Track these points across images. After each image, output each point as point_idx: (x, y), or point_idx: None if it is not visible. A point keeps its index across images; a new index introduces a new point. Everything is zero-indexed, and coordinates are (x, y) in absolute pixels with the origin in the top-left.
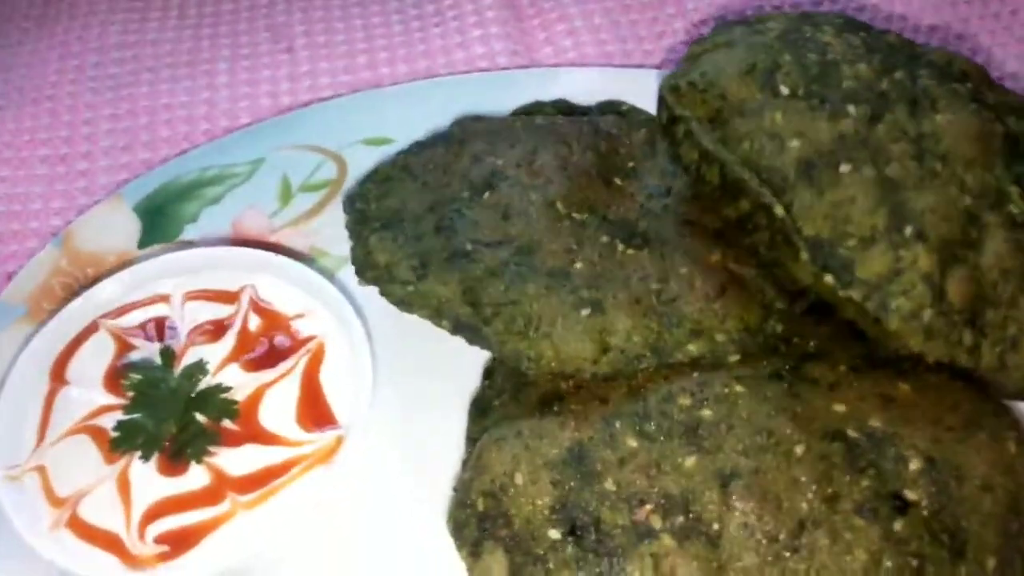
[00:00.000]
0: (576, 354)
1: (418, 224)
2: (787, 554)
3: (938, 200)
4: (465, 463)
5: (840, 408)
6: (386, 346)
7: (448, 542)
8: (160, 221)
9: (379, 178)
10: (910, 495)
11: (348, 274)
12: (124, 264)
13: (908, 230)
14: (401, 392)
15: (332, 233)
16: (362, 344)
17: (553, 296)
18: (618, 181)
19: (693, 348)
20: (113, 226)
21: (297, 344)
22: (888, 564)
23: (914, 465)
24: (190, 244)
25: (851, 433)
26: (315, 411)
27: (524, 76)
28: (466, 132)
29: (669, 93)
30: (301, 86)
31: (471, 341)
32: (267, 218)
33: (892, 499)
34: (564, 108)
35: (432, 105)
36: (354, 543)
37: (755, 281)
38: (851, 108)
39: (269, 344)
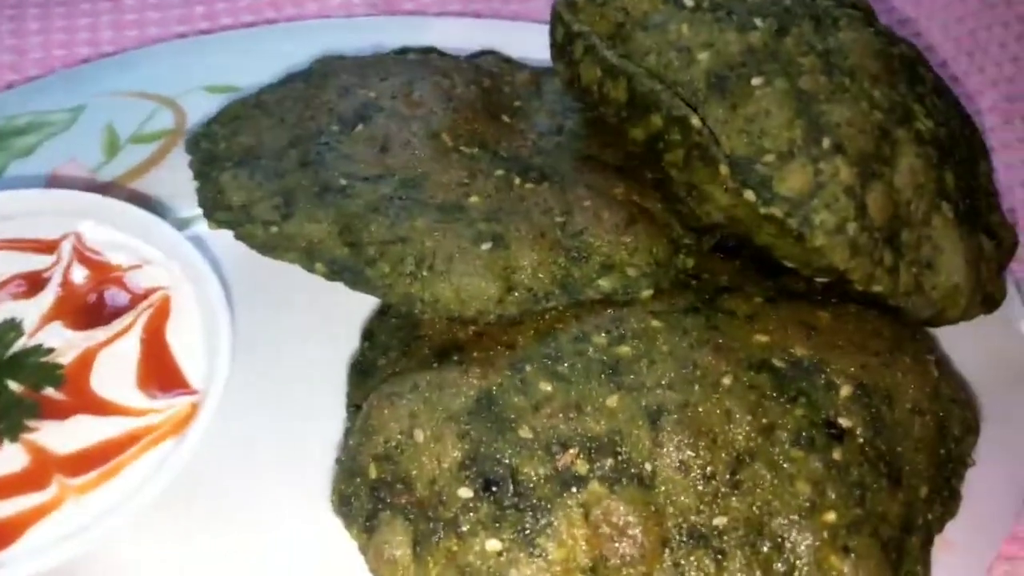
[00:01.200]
0: (478, 294)
1: (279, 161)
2: (727, 491)
3: (852, 113)
4: (348, 432)
5: (762, 338)
6: (243, 299)
7: (331, 523)
8: None
9: (227, 118)
10: (844, 422)
11: (194, 229)
12: None
13: (826, 143)
14: (264, 353)
15: (170, 190)
16: (216, 295)
17: (447, 230)
18: (506, 118)
19: (604, 284)
20: None
21: (135, 299)
22: (831, 495)
23: (845, 391)
24: None
25: (776, 362)
26: (161, 374)
27: (387, 23)
28: (328, 68)
29: (565, 8)
30: (126, 35)
31: (352, 285)
32: (89, 171)
33: (827, 427)
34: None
35: (283, 51)
36: (213, 531)
37: (662, 215)
38: (758, 20)
39: (99, 298)
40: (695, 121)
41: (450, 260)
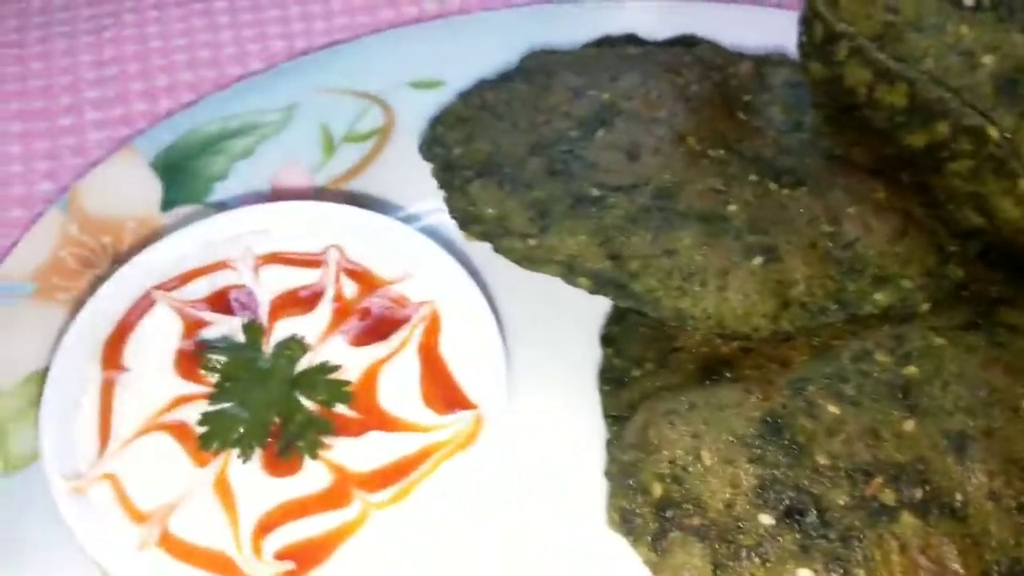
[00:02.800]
0: (754, 310)
1: (522, 168)
2: None
3: None
4: (611, 444)
5: None
6: (506, 311)
7: (611, 536)
8: (183, 179)
9: (451, 120)
10: None
11: (435, 231)
12: (147, 230)
13: None
14: (529, 363)
15: (387, 189)
16: (483, 309)
17: (715, 243)
18: (741, 115)
19: (881, 297)
20: (128, 186)
21: (407, 312)
22: None
23: None
24: (223, 206)
25: None
26: (442, 389)
27: (580, 11)
28: (545, 65)
29: (826, 6)
30: (315, 27)
31: (616, 299)
32: (309, 173)
33: None
34: (638, 43)
35: (482, 42)
36: (512, 541)
37: (927, 221)
38: None
39: (372, 312)
40: (993, 132)
41: (723, 275)
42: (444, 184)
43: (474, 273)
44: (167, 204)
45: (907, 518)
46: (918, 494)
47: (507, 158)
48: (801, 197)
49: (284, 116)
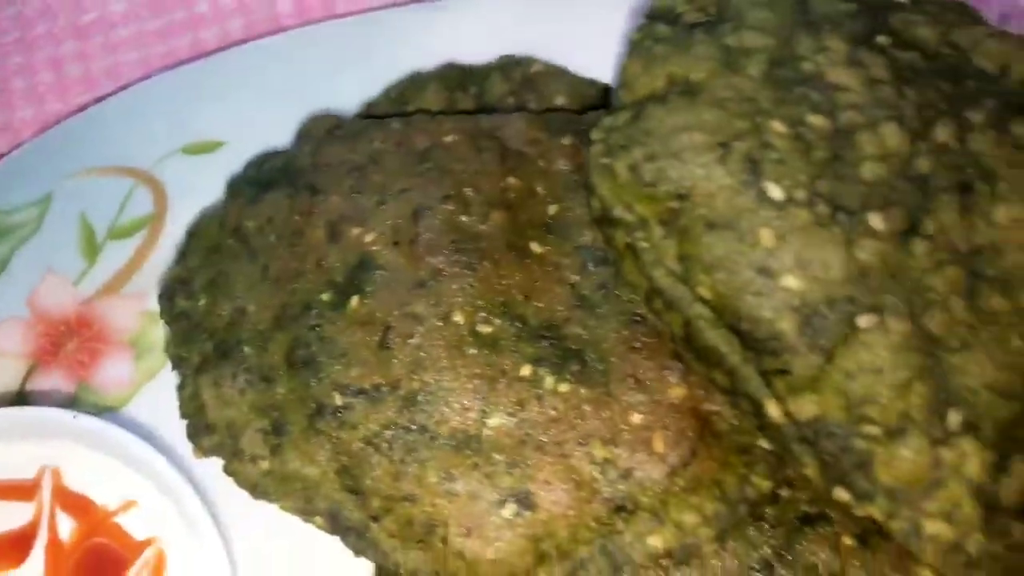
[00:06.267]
0: (500, 571)
1: (264, 349)
2: None
3: (996, 365)
4: None
5: None
6: (245, 532)
7: None
8: None
9: (204, 245)
10: None
11: None
12: None
13: (953, 418)
14: None
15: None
16: (215, 548)
17: (462, 486)
18: (536, 247)
19: (655, 542)
20: None
21: (129, 553)
22: None
23: None
24: None
25: None
26: None
27: (394, 17)
28: (318, 164)
29: (600, 177)
30: (68, 75)
31: (356, 548)
32: (72, 284)
33: None
34: (452, 79)
35: (265, 78)
36: None
37: (731, 416)
38: (875, 218)
39: (91, 557)
40: (772, 411)
41: (465, 533)
42: (177, 365)
43: (208, 490)
44: None
45: None
46: None
47: (249, 329)
48: (580, 402)
49: (38, 211)
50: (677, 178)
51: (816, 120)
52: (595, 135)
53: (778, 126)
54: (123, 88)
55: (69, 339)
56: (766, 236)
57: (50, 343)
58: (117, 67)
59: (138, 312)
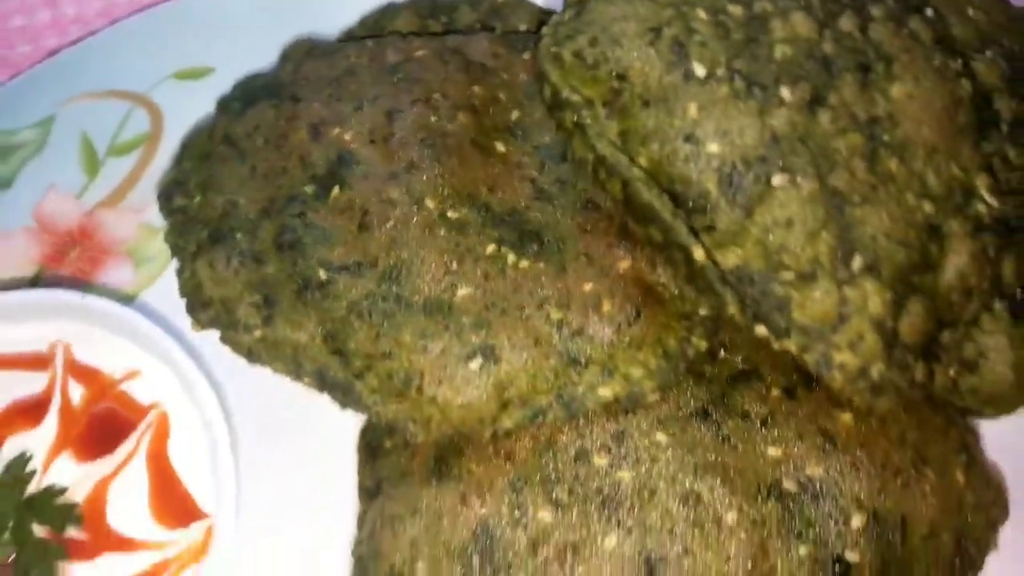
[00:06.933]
0: (469, 415)
1: (254, 235)
2: None
3: (892, 218)
4: (360, 522)
5: (775, 452)
6: (240, 397)
7: None
8: None
9: (197, 153)
10: (851, 556)
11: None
12: None
13: (857, 262)
14: (269, 455)
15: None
16: (213, 409)
17: (435, 343)
18: (500, 147)
19: (605, 391)
20: None
21: (134, 416)
22: None
23: (856, 522)
24: None
25: (787, 486)
26: (173, 503)
27: None
28: (299, 79)
29: (550, 64)
30: (65, 15)
31: (343, 403)
32: (75, 197)
33: (833, 562)
34: (424, 9)
35: (251, 14)
36: None
37: (674, 285)
38: (785, 91)
39: (100, 420)
40: (698, 254)
41: (438, 383)
42: (176, 252)
43: (206, 362)
44: None
45: None
46: None
47: (240, 219)
48: (536, 271)
49: (41, 132)
50: (615, 60)
51: (734, 8)
52: (545, 30)
53: (701, 14)
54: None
55: (72, 248)
56: (692, 109)
57: (55, 251)
58: (111, 8)
59: (136, 224)
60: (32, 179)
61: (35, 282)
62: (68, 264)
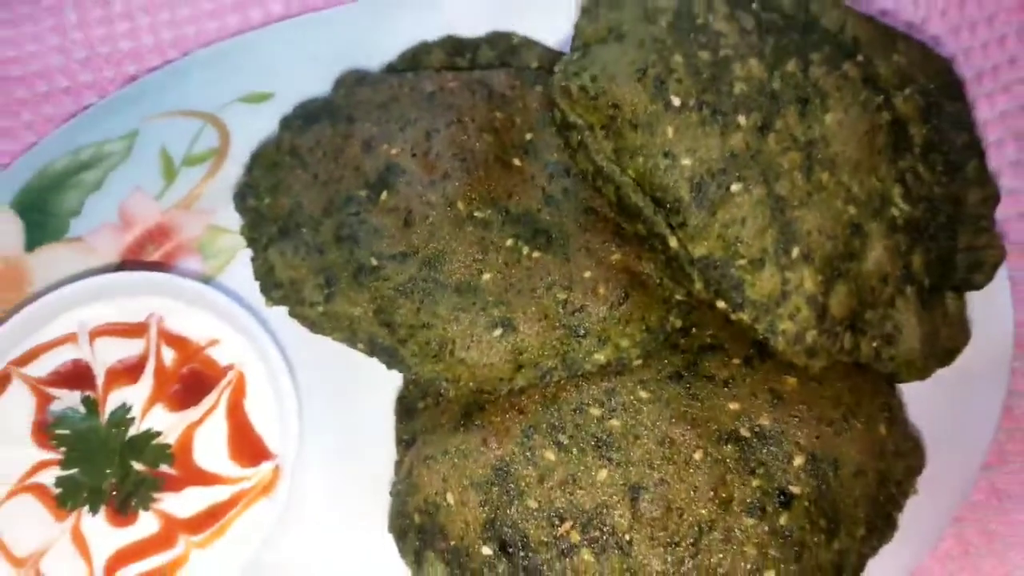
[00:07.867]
0: (491, 374)
1: (317, 231)
2: (687, 558)
3: (824, 217)
4: (398, 467)
5: (734, 406)
6: (303, 361)
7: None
8: (42, 219)
9: (265, 163)
10: (794, 489)
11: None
12: (16, 271)
13: (795, 251)
14: (326, 409)
15: (225, 208)
16: (281, 370)
17: (464, 316)
18: (516, 161)
19: (600, 357)
20: None
21: (216, 375)
22: (774, 556)
23: (797, 461)
24: (79, 241)
25: (743, 432)
26: (247, 445)
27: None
28: (351, 103)
29: (561, 96)
30: (143, 45)
31: (389, 364)
32: (154, 199)
33: (778, 495)
34: (451, 47)
35: (306, 48)
36: (308, 561)
37: (657, 274)
38: (741, 119)
39: (187, 378)
40: (672, 242)
41: (467, 346)
42: (250, 243)
43: (274, 332)
44: (31, 244)
45: (585, 555)
46: (596, 534)
47: (305, 217)
48: (545, 261)
49: (126, 144)
50: (611, 93)
51: (703, 54)
52: (557, 67)
53: (678, 58)
54: (186, 55)
55: (151, 243)
56: (669, 131)
57: (136, 245)
58: (181, 39)
59: (206, 224)
60: (118, 183)
61: (119, 270)
62: (146, 256)
